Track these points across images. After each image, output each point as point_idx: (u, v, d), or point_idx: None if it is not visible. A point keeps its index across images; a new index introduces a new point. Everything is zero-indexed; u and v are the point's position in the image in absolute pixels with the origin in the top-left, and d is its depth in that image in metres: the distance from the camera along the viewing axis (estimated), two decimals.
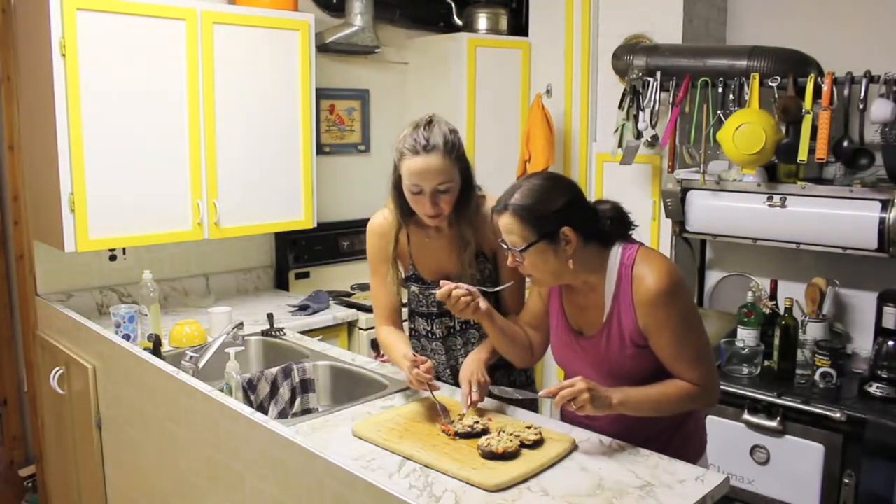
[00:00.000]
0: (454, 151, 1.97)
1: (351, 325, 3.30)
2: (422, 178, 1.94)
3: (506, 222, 1.73)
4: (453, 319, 2.17)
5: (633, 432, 1.81)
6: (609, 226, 1.79)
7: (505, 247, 1.76)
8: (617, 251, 1.77)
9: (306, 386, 2.44)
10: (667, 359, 1.74)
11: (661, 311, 1.70)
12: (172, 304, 3.27)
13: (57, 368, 2.70)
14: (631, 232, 1.83)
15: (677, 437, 1.85)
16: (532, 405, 2.23)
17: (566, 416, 1.98)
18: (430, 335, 2.21)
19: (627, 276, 1.74)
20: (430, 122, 1.98)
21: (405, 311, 2.28)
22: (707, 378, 1.74)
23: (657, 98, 3.17)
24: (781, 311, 2.89)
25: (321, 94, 3.63)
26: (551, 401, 1.71)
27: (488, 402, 2.03)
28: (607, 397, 1.68)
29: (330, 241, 3.74)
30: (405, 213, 2.08)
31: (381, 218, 2.17)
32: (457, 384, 2.19)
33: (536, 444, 1.72)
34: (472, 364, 2.02)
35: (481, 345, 2.11)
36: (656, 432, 1.82)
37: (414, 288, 2.18)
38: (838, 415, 2.51)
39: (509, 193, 1.75)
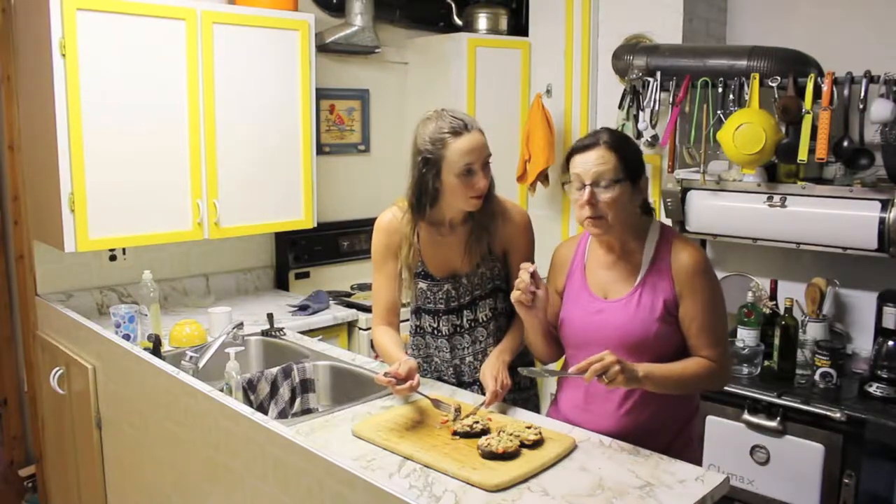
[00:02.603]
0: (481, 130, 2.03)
1: (351, 325, 3.30)
2: (474, 155, 1.96)
3: (599, 154, 1.77)
4: (460, 317, 2.17)
5: (635, 431, 1.81)
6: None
7: (586, 184, 1.76)
8: (658, 224, 1.87)
9: (306, 386, 2.44)
10: (694, 329, 1.79)
11: (697, 280, 1.78)
12: (172, 304, 3.27)
13: (57, 368, 2.70)
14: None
15: (680, 440, 1.86)
16: (535, 405, 2.24)
17: (564, 416, 1.98)
18: (435, 332, 2.20)
19: (667, 247, 1.82)
20: (443, 110, 2.01)
21: (408, 308, 2.29)
22: (724, 359, 1.81)
23: (657, 98, 3.17)
24: (781, 311, 2.89)
25: (321, 94, 3.63)
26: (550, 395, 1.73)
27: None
28: (633, 370, 1.69)
29: (330, 241, 3.74)
30: (424, 208, 2.05)
31: (391, 215, 2.16)
32: (459, 384, 2.20)
33: (536, 444, 1.72)
34: (498, 364, 2.03)
35: (503, 347, 2.11)
36: (657, 430, 1.83)
37: (422, 284, 2.17)
38: (838, 415, 2.51)
39: (593, 135, 1.81)
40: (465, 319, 2.17)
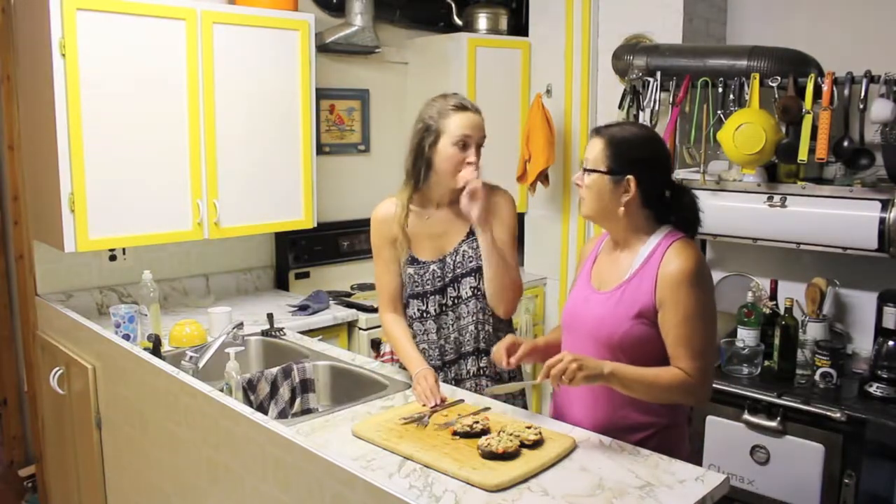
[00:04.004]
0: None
1: (351, 325, 3.30)
2: (472, 130, 2.13)
3: (593, 142, 1.85)
4: (445, 296, 2.24)
5: (605, 425, 1.83)
6: (674, 209, 1.87)
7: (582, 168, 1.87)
8: (665, 229, 1.86)
9: (306, 386, 2.44)
10: (671, 340, 1.76)
11: (681, 291, 1.75)
12: (172, 304, 3.27)
13: (57, 368, 2.70)
14: (696, 234, 1.91)
15: (653, 441, 1.83)
16: (523, 404, 2.28)
17: (559, 406, 2.00)
18: (424, 315, 2.26)
19: (661, 251, 1.81)
20: (454, 94, 2.21)
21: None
22: (703, 374, 1.76)
23: (657, 98, 3.17)
24: (781, 311, 2.89)
25: (321, 94, 3.63)
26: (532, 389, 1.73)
27: (489, 402, 2.03)
28: (598, 367, 1.70)
29: (330, 241, 3.74)
30: (419, 174, 2.18)
31: (385, 206, 2.28)
32: (442, 364, 2.25)
33: (536, 444, 1.72)
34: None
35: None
36: (630, 431, 1.83)
37: (410, 270, 2.25)
38: (838, 415, 2.51)
39: (613, 123, 1.91)
40: (448, 297, 2.24)
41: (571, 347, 1.86)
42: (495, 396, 2.10)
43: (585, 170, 1.84)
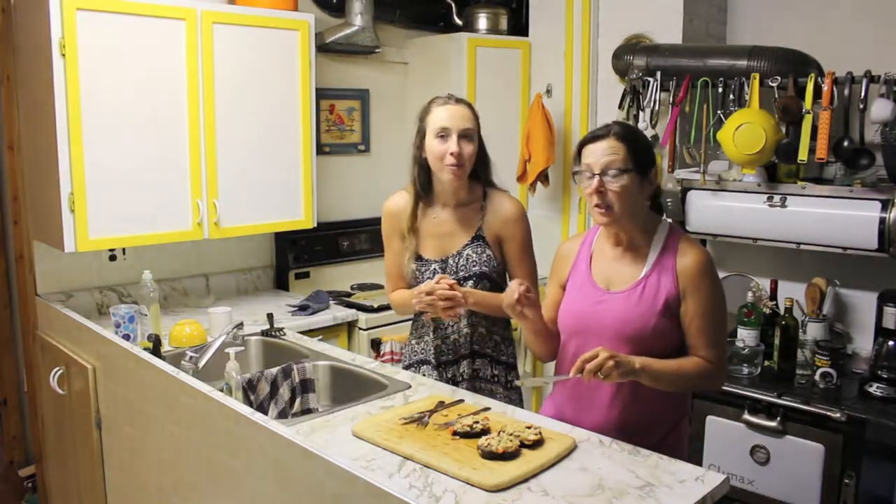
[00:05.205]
0: (474, 112, 2.20)
1: (351, 325, 3.30)
2: (450, 120, 2.13)
3: (609, 144, 1.81)
4: None
5: (626, 426, 1.84)
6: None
7: (595, 173, 1.80)
8: (667, 223, 1.91)
9: (306, 386, 2.44)
10: (693, 329, 1.81)
11: (703, 281, 1.81)
12: (172, 304, 3.27)
13: (57, 368, 2.70)
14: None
15: (671, 438, 1.87)
16: (519, 400, 2.27)
17: (559, 408, 1.99)
18: (422, 312, 2.26)
19: (673, 246, 1.86)
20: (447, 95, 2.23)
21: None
22: (720, 360, 1.84)
23: (657, 98, 3.17)
24: (781, 311, 2.89)
25: (321, 94, 3.63)
26: (528, 391, 1.74)
27: (489, 402, 2.03)
28: (630, 362, 1.72)
29: (330, 241, 3.74)
30: (424, 188, 2.23)
31: (399, 197, 2.32)
32: (438, 364, 2.27)
33: (536, 444, 1.72)
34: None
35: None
36: (648, 427, 1.85)
37: (413, 265, 2.28)
38: (838, 415, 2.51)
39: (605, 126, 1.86)
40: None
41: (583, 349, 1.84)
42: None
43: (609, 175, 1.79)
